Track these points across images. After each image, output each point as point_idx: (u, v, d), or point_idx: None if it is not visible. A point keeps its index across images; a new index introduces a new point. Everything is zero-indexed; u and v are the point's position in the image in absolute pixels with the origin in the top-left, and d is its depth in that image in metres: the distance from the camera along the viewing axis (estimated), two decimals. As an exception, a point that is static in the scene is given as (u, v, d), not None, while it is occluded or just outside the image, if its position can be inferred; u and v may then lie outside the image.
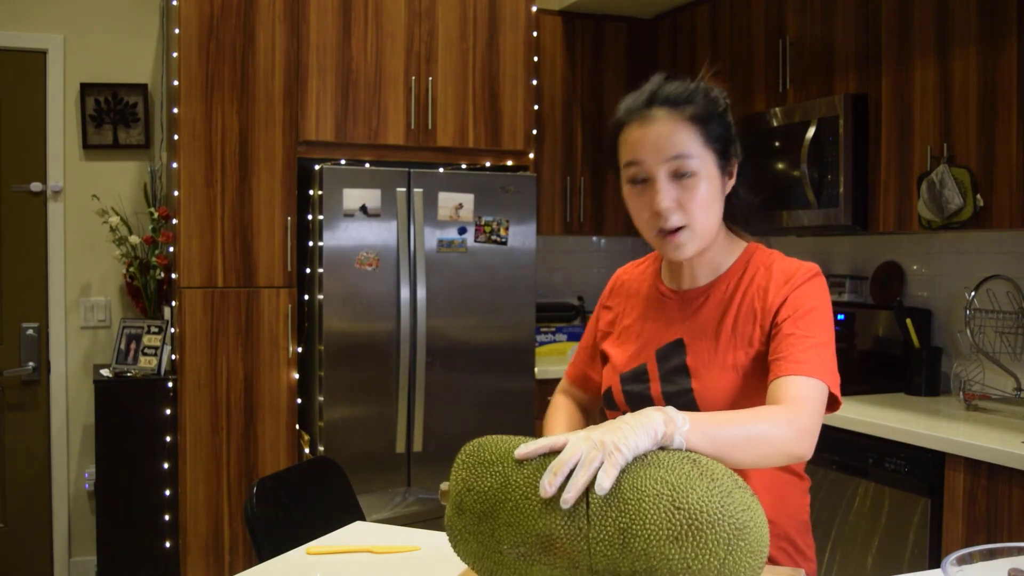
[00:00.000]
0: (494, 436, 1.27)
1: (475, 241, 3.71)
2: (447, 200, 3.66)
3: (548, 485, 1.12)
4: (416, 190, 3.62)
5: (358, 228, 3.56)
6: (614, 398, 1.63)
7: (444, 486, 1.28)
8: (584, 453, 1.14)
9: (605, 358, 1.71)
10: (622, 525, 1.10)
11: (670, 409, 1.23)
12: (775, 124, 3.45)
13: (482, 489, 1.20)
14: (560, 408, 1.78)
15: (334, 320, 3.54)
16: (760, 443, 1.30)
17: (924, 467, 2.58)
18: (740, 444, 1.27)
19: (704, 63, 1.62)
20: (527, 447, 1.20)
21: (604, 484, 1.11)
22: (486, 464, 1.22)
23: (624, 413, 1.53)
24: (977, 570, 1.19)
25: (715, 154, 1.48)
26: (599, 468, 1.13)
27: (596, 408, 1.81)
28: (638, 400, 1.57)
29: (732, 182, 1.54)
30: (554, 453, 1.19)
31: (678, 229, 1.47)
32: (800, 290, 1.49)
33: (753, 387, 1.50)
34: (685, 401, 1.51)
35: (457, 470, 1.24)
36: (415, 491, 3.65)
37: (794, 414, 1.35)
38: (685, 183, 1.45)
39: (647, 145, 1.46)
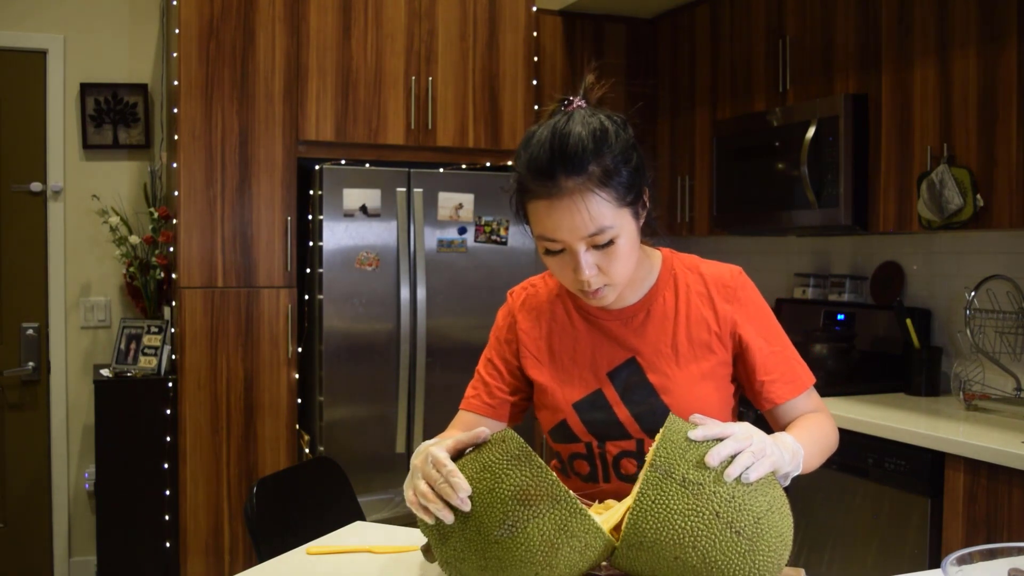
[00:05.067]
0: None
1: (475, 241, 3.71)
2: (447, 200, 3.66)
3: (700, 436, 1.22)
4: (416, 190, 3.62)
5: (358, 228, 3.56)
6: (571, 429, 1.55)
7: (422, 546, 1.30)
8: (755, 443, 1.22)
9: (529, 386, 1.63)
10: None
11: (792, 441, 1.34)
12: (775, 124, 3.45)
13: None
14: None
15: (334, 320, 3.54)
16: (828, 451, 1.51)
17: (924, 467, 2.58)
18: (816, 456, 1.45)
19: (587, 69, 1.48)
20: (705, 430, 1.24)
21: (751, 476, 1.19)
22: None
23: (587, 444, 1.55)
24: (977, 570, 1.19)
25: (629, 207, 1.41)
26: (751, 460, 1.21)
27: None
28: (605, 427, 1.53)
29: (647, 210, 1.47)
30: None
31: (601, 286, 1.44)
32: (747, 298, 1.57)
33: (724, 392, 1.56)
34: (662, 419, 1.48)
35: (420, 524, 1.27)
36: (415, 491, 3.65)
37: (831, 420, 1.56)
38: (605, 249, 1.40)
39: (560, 226, 1.37)
